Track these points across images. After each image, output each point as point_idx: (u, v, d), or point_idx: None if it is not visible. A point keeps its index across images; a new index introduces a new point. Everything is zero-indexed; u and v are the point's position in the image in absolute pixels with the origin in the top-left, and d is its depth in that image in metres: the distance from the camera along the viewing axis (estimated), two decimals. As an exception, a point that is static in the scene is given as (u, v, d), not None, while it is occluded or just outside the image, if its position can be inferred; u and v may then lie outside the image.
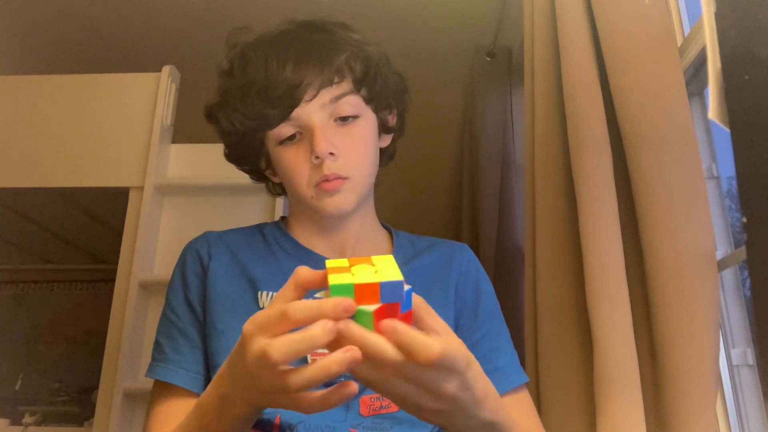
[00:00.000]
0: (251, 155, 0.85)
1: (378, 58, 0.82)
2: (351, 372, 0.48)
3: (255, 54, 0.78)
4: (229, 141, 0.84)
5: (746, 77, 0.55)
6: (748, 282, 0.95)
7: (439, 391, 0.50)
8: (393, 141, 0.90)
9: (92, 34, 2.18)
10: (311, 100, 0.76)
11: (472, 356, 0.52)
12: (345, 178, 0.77)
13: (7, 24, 2.14)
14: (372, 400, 0.73)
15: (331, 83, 0.77)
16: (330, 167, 0.76)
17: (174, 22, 2.11)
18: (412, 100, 0.90)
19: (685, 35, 1.09)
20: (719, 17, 0.60)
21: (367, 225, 0.88)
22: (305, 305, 0.47)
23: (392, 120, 0.88)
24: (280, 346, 0.47)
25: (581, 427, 0.98)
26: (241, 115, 0.78)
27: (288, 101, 0.75)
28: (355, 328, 0.46)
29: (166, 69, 1.79)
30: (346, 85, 0.79)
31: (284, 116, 0.76)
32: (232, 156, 0.88)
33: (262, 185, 0.94)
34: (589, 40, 1.05)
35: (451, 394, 0.50)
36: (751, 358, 0.93)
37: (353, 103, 0.79)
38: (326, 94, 0.77)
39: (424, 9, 2.01)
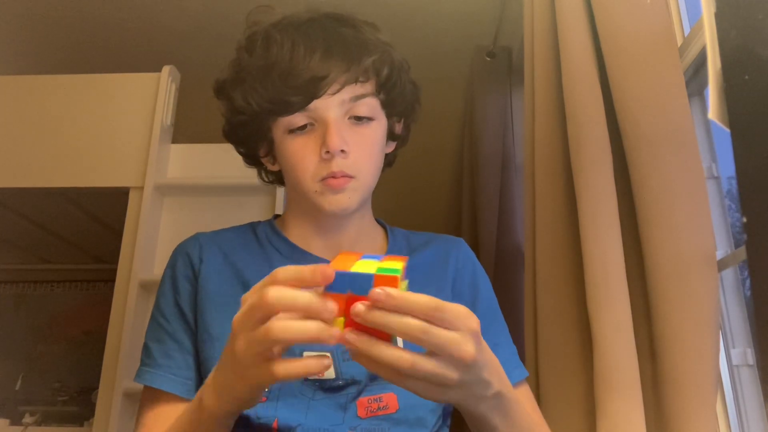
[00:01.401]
0: (253, 138, 0.83)
1: (401, 65, 0.82)
2: (366, 360, 0.50)
3: (281, 36, 0.76)
4: (237, 120, 0.81)
5: (746, 77, 0.55)
6: (748, 282, 0.95)
7: (445, 383, 0.51)
8: (396, 149, 0.90)
9: (92, 34, 2.18)
10: (333, 94, 0.75)
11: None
12: (351, 177, 0.76)
13: (7, 24, 2.14)
14: (369, 401, 0.73)
15: (355, 81, 0.76)
16: (339, 164, 0.75)
17: (174, 22, 2.11)
18: (420, 111, 0.90)
19: (685, 35, 1.09)
20: (719, 17, 0.60)
21: (365, 224, 0.87)
22: (289, 269, 0.50)
23: (399, 128, 0.88)
24: (277, 290, 0.49)
25: (581, 427, 0.98)
26: (260, 96, 0.76)
27: (310, 91, 0.74)
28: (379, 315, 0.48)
29: (166, 69, 1.79)
30: (369, 87, 0.78)
31: (304, 105, 0.75)
32: (232, 135, 0.86)
33: (262, 185, 0.93)
34: (589, 40, 1.05)
35: (458, 381, 0.52)
36: (751, 358, 0.93)
37: (371, 105, 0.78)
38: (348, 92, 0.76)
39: (424, 9, 2.01)
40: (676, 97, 0.90)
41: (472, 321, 0.51)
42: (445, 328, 0.49)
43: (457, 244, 0.90)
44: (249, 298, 0.52)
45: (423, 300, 0.49)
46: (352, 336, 0.48)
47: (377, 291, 0.47)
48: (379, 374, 0.51)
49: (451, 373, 0.51)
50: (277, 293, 0.49)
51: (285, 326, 0.48)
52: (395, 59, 0.81)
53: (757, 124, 0.54)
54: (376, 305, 0.47)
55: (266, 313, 0.49)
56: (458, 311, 0.50)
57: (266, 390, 0.71)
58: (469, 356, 0.50)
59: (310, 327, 0.48)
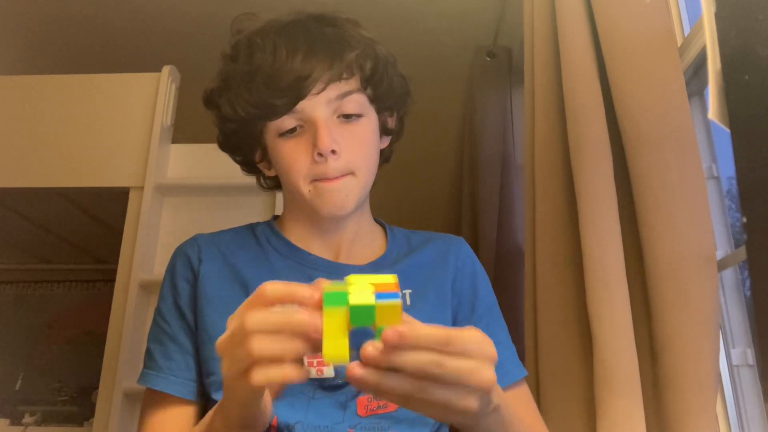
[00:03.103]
0: (247, 145, 0.83)
1: (386, 59, 0.81)
2: (377, 392, 0.48)
3: (263, 41, 0.76)
4: (228, 128, 0.82)
5: (746, 77, 0.55)
6: (748, 282, 0.95)
7: (465, 410, 0.50)
8: (391, 143, 0.89)
9: (92, 34, 2.18)
10: (318, 93, 0.74)
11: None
12: (348, 174, 0.76)
13: (7, 24, 2.14)
14: (369, 400, 0.73)
15: (339, 79, 0.75)
16: (333, 168, 0.75)
17: (174, 22, 2.10)
18: (413, 103, 0.89)
19: (685, 35, 1.09)
20: (719, 17, 0.60)
21: (363, 224, 0.87)
22: (280, 286, 0.49)
23: (392, 122, 0.87)
24: (254, 315, 0.48)
25: (581, 427, 0.98)
26: (245, 102, 0.76)
27: (294, 92, 0.74)
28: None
29: (166, 69, 1.78)
30: (354, 83, 0.77)
31: (290, 107, 0.75)
32: (226, 144, 0.86)
33: (263, 185, 0.93)
34: (589, 40, 1.05)
35: (478, 408, 0.50)
36: (751, 358, 0.93)
37: (358, 102, 0.78)
38: (333, 90, 0.75)
39: (424, 9, 2.01)
40: (676, 97, 0.90)
41: (488, 346, 0.50)
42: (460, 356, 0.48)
43: (457, 243, 0.90)
44: (232, 321, 0.51)
45: (432, 333, 0.47)
46: (360, 372, 0.47)
47: (390, 335, 0.45)
48: (389, 400, 0.50)
49: (470, 401, 0.49)
50: (255, 318, 0.48)
51: (262, 341, 0.47)
52: (379, 53, 0.80)
53: (757, 124, 0.54)
54: (390, 346, 0.46)
55: (247, 337, 0.48)
56: (471, 338, 0.49)
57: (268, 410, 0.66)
58: (488, 383, 0.49)
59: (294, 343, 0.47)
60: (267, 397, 0.56)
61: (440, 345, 0.47)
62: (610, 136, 0.99)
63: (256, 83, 0.75)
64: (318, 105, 0.75)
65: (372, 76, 0.79)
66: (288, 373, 0.47)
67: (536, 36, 1.24)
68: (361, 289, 0.47)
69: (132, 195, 1.70)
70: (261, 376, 0.48)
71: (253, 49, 0.77)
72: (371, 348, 0.46)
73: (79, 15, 2.08)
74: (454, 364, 0.47)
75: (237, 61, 0.79)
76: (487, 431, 0.58)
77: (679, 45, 1.03)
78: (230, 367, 0.50)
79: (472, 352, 0.48)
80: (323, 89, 0.74)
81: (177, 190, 1.73)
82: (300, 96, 0.74)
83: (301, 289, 0.48)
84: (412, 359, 0.46)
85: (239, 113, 0.77)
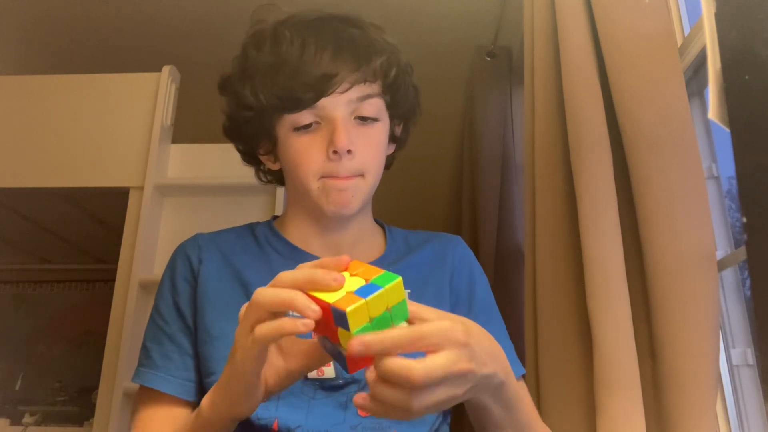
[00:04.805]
0: (256, 135, 0.83)
1: (405, 67, 0.83)
2: (375, 413, 0.51)
3: (290, 33, 0.77)
4: (242, 116, 0.81)
5: (746, 77, 0.55)
6: (748, 282, 0.95)
7: (460, 375, 0.51)
8: (394, 152, 0.90)
9: (92, 34, 2.18)
10: (342, 93, 0.75)
11: (467, 326, 0.53)
12: (358, 175, 0.77)
13: (7, 24, 2.14)
14: None
15: (364, 81, 0.76)
16: (346, 167, 0.75)
17: (174, 22, 2.11)
18: (420, 114, 0.90)
19: (685, 35, 1.09)
20: (719, 17, 0.60)
21: (365, 225, 0.87)
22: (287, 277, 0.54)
23: (398, 130, 0.88)
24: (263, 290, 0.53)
25: (581, 427, 0.98)
26: (269, 91, 0.76)
27: (320, 88, 0.74)
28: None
29: (166, 69, 1.79)
30: (376, 87, 0.78)
31: (313, 102, 0.75)
32: (234, 132, 0.85)
33: (262, 185, 0.93)
34: (589, 40, 1.05)
35: (468, 370, 0.51)
36: (751, 358, 0.93)
37: (377, 106, 0.79)
38: (356, 91, 0.76)
39: (424, 9, 2.01)
40: (676, 97, 0.90)
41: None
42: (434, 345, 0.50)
43: (454, 242, 0.90)
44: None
45: (401, 334, 0.49)
46: (363, 401, 0.50)
47: (354, 344, 0.47)
48: (396, 417, 0.51)
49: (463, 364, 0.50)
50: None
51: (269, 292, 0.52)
52: (401, 61, 0.82)
53: (757, 124, 0.54)
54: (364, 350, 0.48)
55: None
56: (438, 330, 0.51)
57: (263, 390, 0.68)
58: (462, 338, 0.51)
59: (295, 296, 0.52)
60: (263, 374, 0.58)
61: (411, 343, 0.50)
62: (610, 136, 0.99)
63: (282, 74, 0.75)
64: (339, 104, 0.76)
65: (393, 84, 0.80)
66: (285, 326, 0.51)
67: (536, 36, 1.24)
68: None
69: (132, 195, 1.70)
70: (260, 330, 0.52)
71: (280, 39, 0.77)
72: (360, 399, 0.50)
73: (79, 15, 2.08)
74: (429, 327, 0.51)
75: (261, 50, 0.78)
76: (489, 407, 0.60)
77: (679, 45, 1.03)
78: (239, 329, 0.55)
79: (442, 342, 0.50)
80: (348, 89, 0.75)
81: (177, 190, 1.73)
82: (324, 92, 0.74)
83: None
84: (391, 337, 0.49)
85: (261, 102, 0.77)
